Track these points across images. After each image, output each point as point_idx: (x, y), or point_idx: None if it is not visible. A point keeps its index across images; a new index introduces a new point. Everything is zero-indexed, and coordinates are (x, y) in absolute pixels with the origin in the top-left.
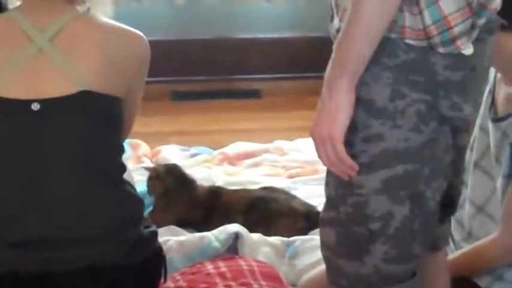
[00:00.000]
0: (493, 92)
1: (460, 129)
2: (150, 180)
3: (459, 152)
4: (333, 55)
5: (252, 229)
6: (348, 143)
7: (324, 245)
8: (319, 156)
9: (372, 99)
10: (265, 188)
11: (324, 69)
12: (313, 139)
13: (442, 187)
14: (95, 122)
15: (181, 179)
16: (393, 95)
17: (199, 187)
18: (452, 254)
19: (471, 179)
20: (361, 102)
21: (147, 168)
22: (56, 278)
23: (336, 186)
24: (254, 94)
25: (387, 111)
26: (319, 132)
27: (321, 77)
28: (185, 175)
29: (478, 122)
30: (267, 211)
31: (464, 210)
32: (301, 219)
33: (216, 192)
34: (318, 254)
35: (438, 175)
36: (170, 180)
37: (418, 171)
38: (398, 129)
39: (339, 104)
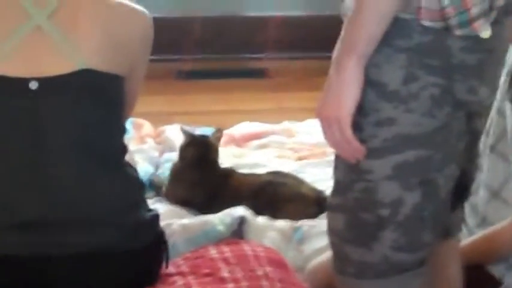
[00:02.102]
0: (511, 74)
1: (475, 114)
2: (180, 148)
3: (474, 137)
4: (342, 34)
5: (258, 214)
6: (357, 127)
7: (331, 231)
8: (326, 139)
9: (383, 82)
10: (273, 173)
11: (332, 49)
12: (320, 120)
13: (455, 174)
14: (95, 101)
15: (202, 155)
16: (407, 78)
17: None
18: (466, 240)
19: (487, 163)
20: (372, 85)
21: (183, 131)
22: (56, 262)
23: (345, 170)
24: (262, 74)
25: (400, 94)
26: (326, 114)
27: (329, 57)
28: (208, 153)
29: (495, 105)
30: (275, 196)
31: (479, 196)
32: (310, 205)
33: (226, 175)
34: (326, 240)
35: (451, 161)
36: (189, 152)
37: (430, 158)
38: (411, 113)
39: (346, 84)
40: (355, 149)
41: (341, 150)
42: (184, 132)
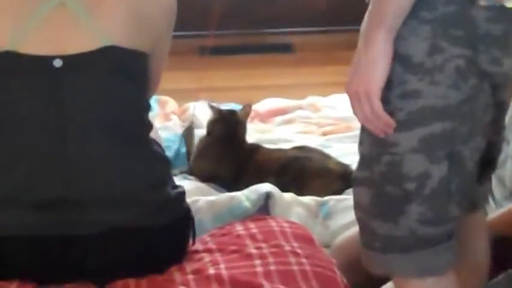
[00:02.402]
0: None
1: (500, 85)
2: (210, 122)
3: (500, 108)
4: (370, 7)
5: (284, 190)
6: (383, 100)
7: (358, 206)
8: (355, 113)
9: (409, 54)
10: (299, 148)
11: (359, 22)
12: (349, 95)
13: (481, 146)
14: (120, 78)
15: (230, 131)
16: (432, 50)
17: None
18: (493, 213)
19: None
20: (398, 57)
21: (211, 107)
22: (80, 241)
23: (370, 144)
24: (286, 48)
25: (425, 66)
26: (355, 88)
27: (356, 31)
28: (236, 129)
29: None
30: (301, 171)
31: (506, 168)
32: (336, 179)
33: (252, 150)
34: (353, 215)
35: (477, 134)
36: (217, 128)
37: (456, 130)
38: (436, 85)
39: (375, 58)
40: (385, 123)
41: (370, 125)
42: (212, 107)
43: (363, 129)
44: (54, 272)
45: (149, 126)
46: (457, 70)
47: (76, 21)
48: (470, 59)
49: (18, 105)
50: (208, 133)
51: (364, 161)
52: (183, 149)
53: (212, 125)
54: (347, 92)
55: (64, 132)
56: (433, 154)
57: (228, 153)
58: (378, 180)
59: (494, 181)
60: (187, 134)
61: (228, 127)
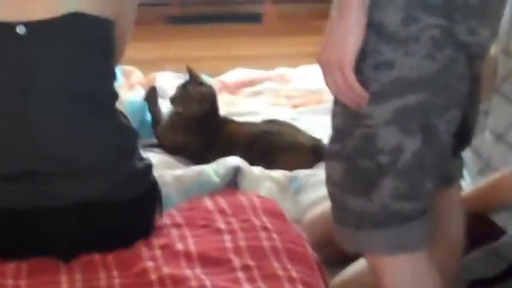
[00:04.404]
0: None
1: (476, 56)
2: (190, 99)
3: (475, 80)
4: None
5: (253, 164)
6: (356, 71)
7: (330, 180)
8: (327, 85)
9: (383, 23)
10: (269, 121)
11: None
12: (321, 66)
13: (457, 119)
14: (84, 46)
15: (212, 110)
16: (406, 19)
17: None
18: (468, 187)
19: (491, 106)
20: (372, 26)
21: (191, 83)
22: (46, 214)
23: (343, 117)
24: (255, 18)
25: (399, 36)
26: (328, 58)
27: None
28: (215, 107)
29: (500, 46)
30: (271, 146)
31: (484, 140)
32: (306, 154)
33: (222, 124)
34: (323, 190)
35: (452, 106)
36: (206, 107)
37: (431, 102)
38: (411, 56)
39: (349, 26)
40: (358, 95)
41: (343, 97)
42: (190, 85)
43: (336, 102)
44: (19, 246)
45: (115, 95)
46: (432, 40)
47: None
48: (446, 29)
49: None
50: (187, 109)
51: (337, 134)
52: (148, 118)
53: (189, 102)
54: (319, 63)
55: (28, 102)
56: (407, 127)
57: (202, 128)
58: (350, 154)
59: (470, 153)
60: (151, 98)
61: (208, 106)
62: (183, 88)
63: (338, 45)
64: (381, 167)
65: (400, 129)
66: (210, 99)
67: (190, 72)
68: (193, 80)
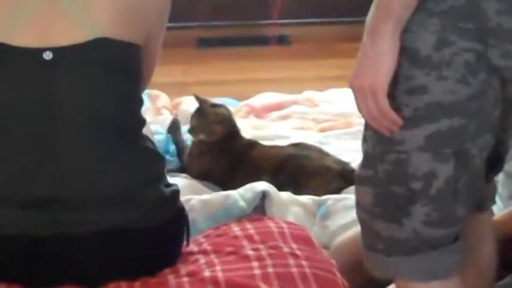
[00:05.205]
0: None
1: (509, 80)
2: (210, 124)
3: (508, 104)
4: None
5: (281, 189)
6: (388, 96)
7: (360, 206)
8: (360, 110)
9: (416, 48)
10: (296, 145)
11: (358, 13)
12: (353, 91)
13: (489, 144)
14: (111, 71)
15: (233, 129)
16: (439, 44)
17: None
18: (500, 213)
19: None
20: (404, 51)
21: (208, 108)
22: (71, 241)
23: (375, 142)
24: (282, 41)
25: (432, 60)
26: (360, 83)
27: (355, 22)
28: (236, 126)
29: None
30: (298, 170)
31: None
32: (335, 178)
33: (249, 146)
34: (352, 215)
35: (485, 131)
36: (228, 126)
37: (464, 127)
38: (444, 80)
39: (382, 52)
40: (391, 121)
41: (375, 122)
42: (208, 109)
43: (367, 126)
44: (44, 274)
45: (142, 121)
46: (465, 64)
47: (66, 12)
48: (480, 53)
49: (6, 100)
50: (210, 133)
51: (368, 159)
52: (171, 148)
53: (211, 126)
54: (351, 87)
55: (54, 129)
56: (440, 152)
57: (226, 148)
58: (382, 180)
59: (502, 177)
60: (174, 129)
61: (231, 124)
62: (198, 115)
63: (371, 70)
64: (413, 193)
65: (433, 154)
66: (228, 117)
67: (198, 98)
68: (204, 104)
